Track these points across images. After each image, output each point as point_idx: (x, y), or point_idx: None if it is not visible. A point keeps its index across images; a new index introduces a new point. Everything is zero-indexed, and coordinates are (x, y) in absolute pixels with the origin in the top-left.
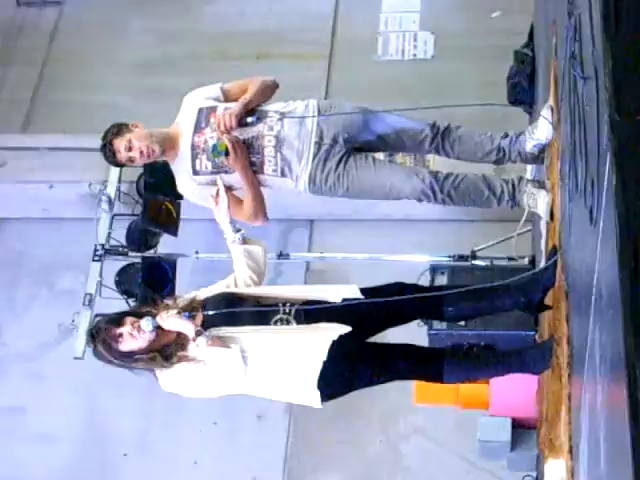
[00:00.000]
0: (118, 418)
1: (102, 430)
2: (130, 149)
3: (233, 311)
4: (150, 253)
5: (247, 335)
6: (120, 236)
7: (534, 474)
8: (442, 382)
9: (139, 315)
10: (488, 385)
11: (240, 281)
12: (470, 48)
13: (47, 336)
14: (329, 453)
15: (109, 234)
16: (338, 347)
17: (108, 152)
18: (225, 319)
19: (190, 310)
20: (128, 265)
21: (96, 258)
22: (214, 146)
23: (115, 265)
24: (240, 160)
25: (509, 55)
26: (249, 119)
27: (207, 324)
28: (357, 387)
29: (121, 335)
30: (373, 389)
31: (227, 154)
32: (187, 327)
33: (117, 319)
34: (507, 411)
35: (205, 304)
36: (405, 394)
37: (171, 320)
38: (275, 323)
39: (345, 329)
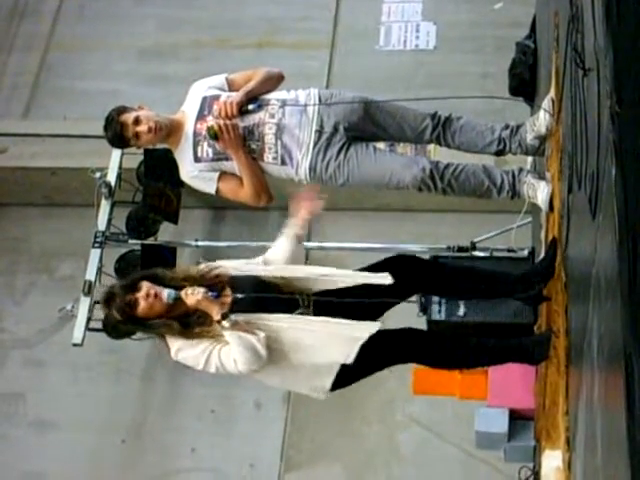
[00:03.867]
0: (116, 405)
1: (100, 417)
2: (138, 123)
3: (261, 297)
4: (150, 240)
5: (273, 324)
6: (120, 223)
7: (531, 465)
8: (440, 367)
9: (153, 278)
10: (486, 376)
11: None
12: (472, 39)
13: (46, 322)
14: (326, 442)
15: (109, 221)
16: None
17: (115, 125)
18: (252, 305)
19: (215, 285)
20: (128, 252)
21: (96, 245)
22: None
23: (115, 252)
24: (231, 143)
25: (511, 46)
26: (250, 106)
27: (234, 308)
28: (361, 376)
29: (137, 300)
30: (371, 378)
31: (217, 138)
32: (213, 309)
33: (132, 285)
34: (505, 402)
35: (232, 285)
36: (403, 384)
37: (197, 299)
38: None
39: (375, 327)
